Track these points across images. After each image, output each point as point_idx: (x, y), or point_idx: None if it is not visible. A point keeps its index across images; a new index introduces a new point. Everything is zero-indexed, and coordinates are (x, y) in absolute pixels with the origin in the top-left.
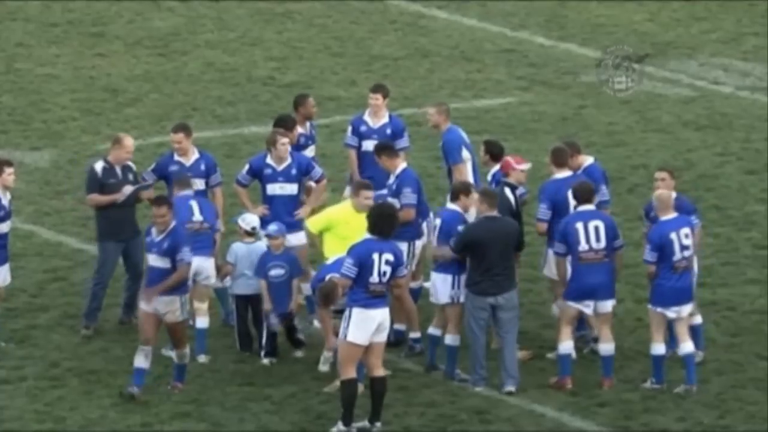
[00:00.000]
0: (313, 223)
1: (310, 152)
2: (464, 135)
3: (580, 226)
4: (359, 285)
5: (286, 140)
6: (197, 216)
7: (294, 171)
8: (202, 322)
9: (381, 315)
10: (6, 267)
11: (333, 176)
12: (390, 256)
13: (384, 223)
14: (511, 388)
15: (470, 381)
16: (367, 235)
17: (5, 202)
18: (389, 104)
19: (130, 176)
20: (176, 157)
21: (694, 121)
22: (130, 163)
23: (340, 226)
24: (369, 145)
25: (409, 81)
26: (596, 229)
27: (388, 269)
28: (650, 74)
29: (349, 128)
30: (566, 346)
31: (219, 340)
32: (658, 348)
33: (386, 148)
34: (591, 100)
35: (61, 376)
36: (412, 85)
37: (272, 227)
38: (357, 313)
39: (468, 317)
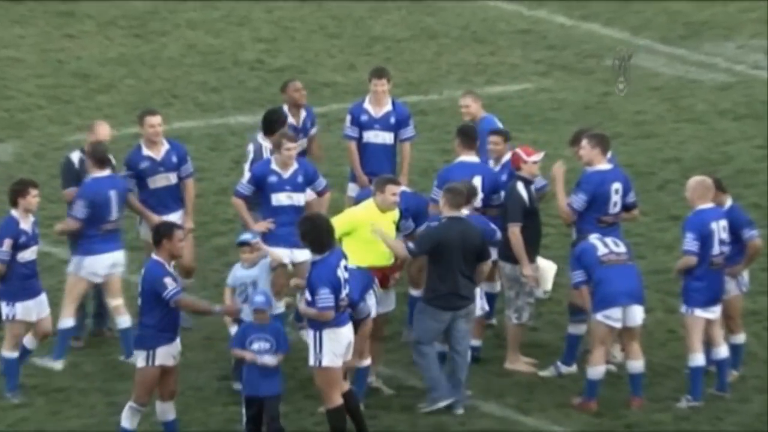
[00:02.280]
0: (336, 226)
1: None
2: (500, 126)
3: (595, 241)
4: None
5: (293, 145)
6: (114, 214)
7: (301, 178)
8: (125, 321)
9: (349, 331)
10: (41, 299)
11: (330, 171)
12: (346, 261)
13: (326, 235)
14: (461, 410)
15: (433, 398)
16: (320, 255)
17: (26, 226)
18: (392, 90)
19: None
20: (145, 151)
21: (731, 110)
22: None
23: (364, 228)
24: (371, 136)
25: (414, 65)
26: (613, 240)
27: (346, 275)
28: (683, 58)
29: (348, 118)
30: (597, 371)
31: (201, 354)
32: (698, 359)
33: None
34: (617, 86)
35: (26, 394)
36: (417, 69)
37: (259, 298)
38: (328, 334)
39: (419, 334)
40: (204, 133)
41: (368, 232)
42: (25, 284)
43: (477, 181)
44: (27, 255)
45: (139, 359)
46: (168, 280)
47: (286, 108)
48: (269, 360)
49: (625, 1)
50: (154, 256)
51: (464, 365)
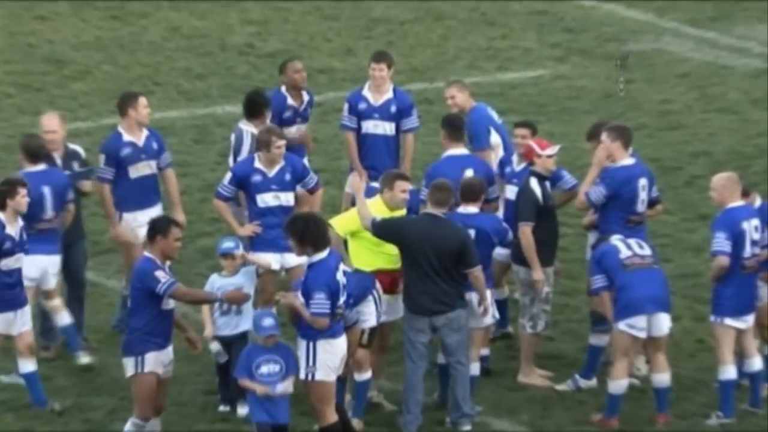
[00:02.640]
0: (341, 225)
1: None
2: (494, 114)
3: (618, 242)
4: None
5: (282, 142)
6: (49, 213)
7: (288, 176)
8: (65, 317)
9: (344, 343)
10: (24, 311)
11: (326, 166)
12: (343, 266)
13: (324, 231)
14: (467, 427)
15: (403, 422)
16: (318, 256)
17: (13, 231)
18: (394, 77)
19: (76, 165)
20: (126, 137)
21: (765, 99)
22: (76, 148)
23: None
24: (370, 126)
25: (419, 50)
26: (636, 241)
27: (344, 280)
28: (713, 41)
29: (346, 106)
30: (619, 385)
31: (186, 367)
32: (728, 371)
33: (442, 123)
34: (640, 72)
35: None
36: (421, 54)
37: (267, 322)
38: (323, 345)
39: (405, 342)
40: (188, 124)
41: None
42: (6, 294)
43: (469, 175)
44: (11, 263)
45: (128, 367)
46: (160, 273)
47: (284, 90)
48: (284, 388)
49: None
50: (146, 253)
51: (462, 379)
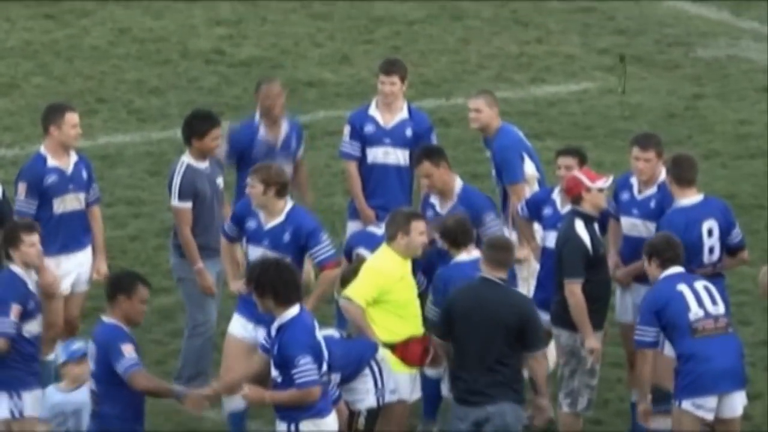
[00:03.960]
0: (359, 292)
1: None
2: (524, 139)
3: (683, 288)
4: None
5: (256, 185)
6: None
7: (287, 237)
8: None
9: (335, 422)
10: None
11: (316, 204)
12: (333, 331)
13: (289, 285)
14: None
15: None
16: (286, 315)
17: (32, 286)
18: (405, 92)
19: None
20: (51, 162)
21: None
22: None
23: (395, 287)
24: (379, 154)
25: (433, 57)
26: (707, 289)
27: (323, 341)
28: None
29: (347, 129)
30: None
31: None
32: None
33: (436, 153)
34: (712, 86)
35: None
36: (436, 63)
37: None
38: (308, 425)
39: None
40: (141, 151)
41: (400, 290)
42: (32, 367)
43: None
44: (33, 327)
45: None
46: (128, 348)
47: (257, 117)
48: None
49: None
50: (105, 319)
51: None
